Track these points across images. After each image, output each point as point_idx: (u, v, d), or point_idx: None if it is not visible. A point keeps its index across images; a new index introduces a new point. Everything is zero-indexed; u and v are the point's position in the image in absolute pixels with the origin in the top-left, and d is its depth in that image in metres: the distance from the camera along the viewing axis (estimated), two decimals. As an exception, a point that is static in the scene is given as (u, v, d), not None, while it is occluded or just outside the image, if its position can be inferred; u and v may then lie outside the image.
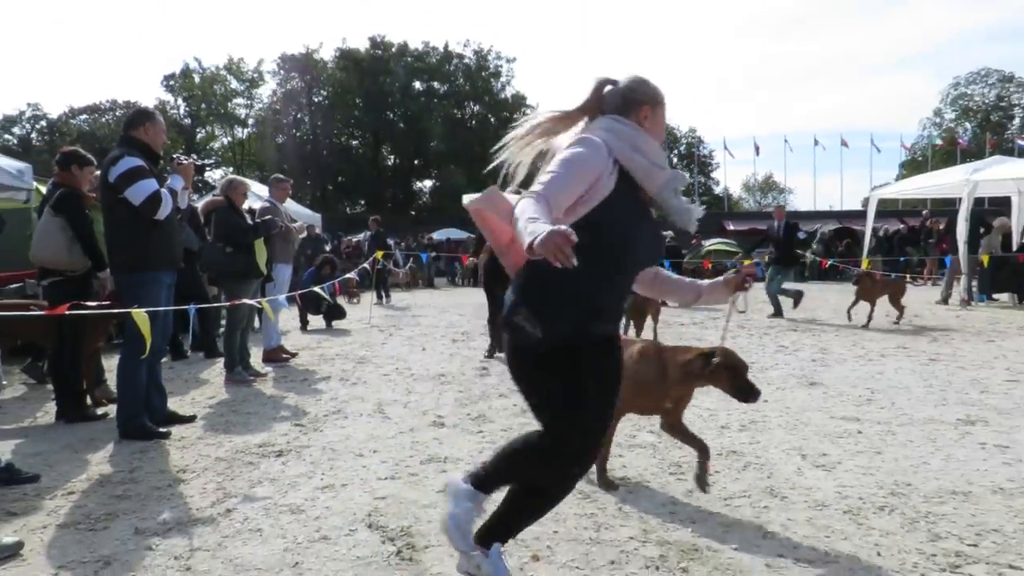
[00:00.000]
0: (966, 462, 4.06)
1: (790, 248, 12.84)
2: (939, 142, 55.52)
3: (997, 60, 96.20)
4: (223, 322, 7.80)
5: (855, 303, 11.06)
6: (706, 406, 5.49)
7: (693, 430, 3.84)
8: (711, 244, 26.79)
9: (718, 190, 60.62)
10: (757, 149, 51.54)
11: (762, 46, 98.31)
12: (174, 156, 5.20)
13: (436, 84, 54.66)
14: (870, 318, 10.63)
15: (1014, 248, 14.21)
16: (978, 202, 15.03)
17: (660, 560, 2.87)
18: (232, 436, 4.90)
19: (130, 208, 4.67)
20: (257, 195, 10.24)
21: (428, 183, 59.95)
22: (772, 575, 2.74)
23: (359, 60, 51.98)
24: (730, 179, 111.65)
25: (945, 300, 13.92)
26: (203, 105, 52.91)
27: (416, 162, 56.47)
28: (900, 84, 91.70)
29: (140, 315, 4.35)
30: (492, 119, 55.11)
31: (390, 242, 22.46)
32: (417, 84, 54.26)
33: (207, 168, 50.82)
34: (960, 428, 4.78)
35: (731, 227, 38.01)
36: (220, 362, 7.67)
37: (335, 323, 11.39)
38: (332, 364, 7.80)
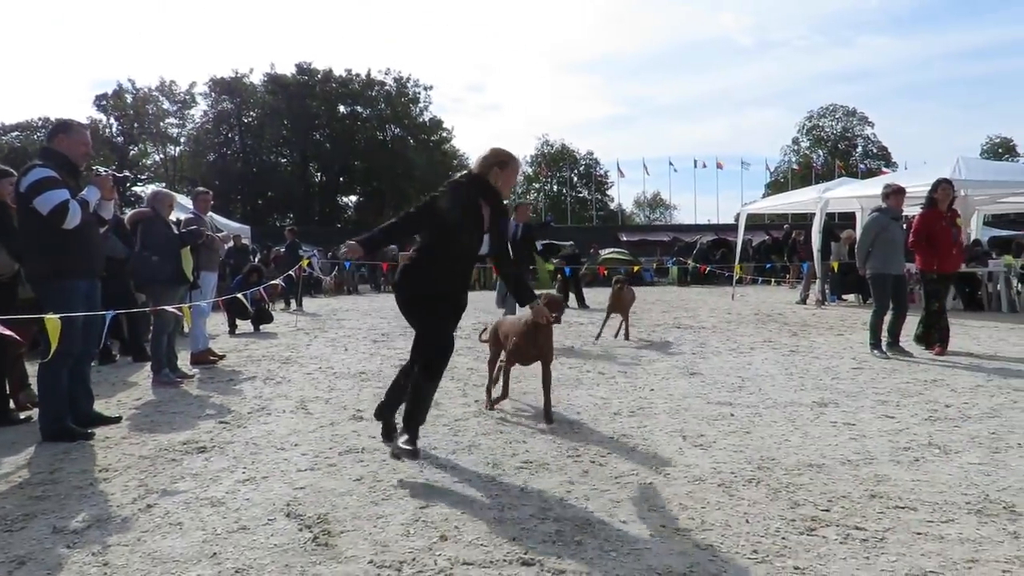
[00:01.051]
0: (820, 439, 4.22)
1: (528, 251, 11.62)
2: (796, 166, 58.52)
3: (843, 97, 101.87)
4: (152, 327, 7.38)
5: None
6: (601, 395, 5.54)
7: (595, 413, 3.86)
8: (607, 253, 27.27)
9: (613, 206, 61.98)
10: (646, 169, 52.71)
11: (654, 81, 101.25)
12: (93, 168, 4.86)
13: (359, 108, 53.77)
14: (619, 330, 9.25)
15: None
16: (829, 216, 15.84)
17: (557, 535, 2.84)
18: (156, 435, 4.61)
19: (42, 217, 4.34)
20: (184, 207, 9.76)
21: (353, 198, 58.89)
22: (655, 543, 2.75)
23: (286, 85, 50.62)
24: (623, 196, 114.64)
25: (803, 301, 14.59)
26: (135, 125, 50.33)
27: (341, 179, 55.41)
28: (765, 116, 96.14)
29: (52, 322, 4.04)
30: (411, 141, 54.64)
31: (305, 252, 21.83)
32: (342, 108, 53.24)
33: (139, 183, 48.25)
34: (815, 409, 4.97)
35: (624, 238, 38.92)
36: (148, 366, 7.25)
37: (263, 327, 10.98)
38: (258, 365, 7.49)
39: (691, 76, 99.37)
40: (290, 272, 12.97)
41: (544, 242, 26.69)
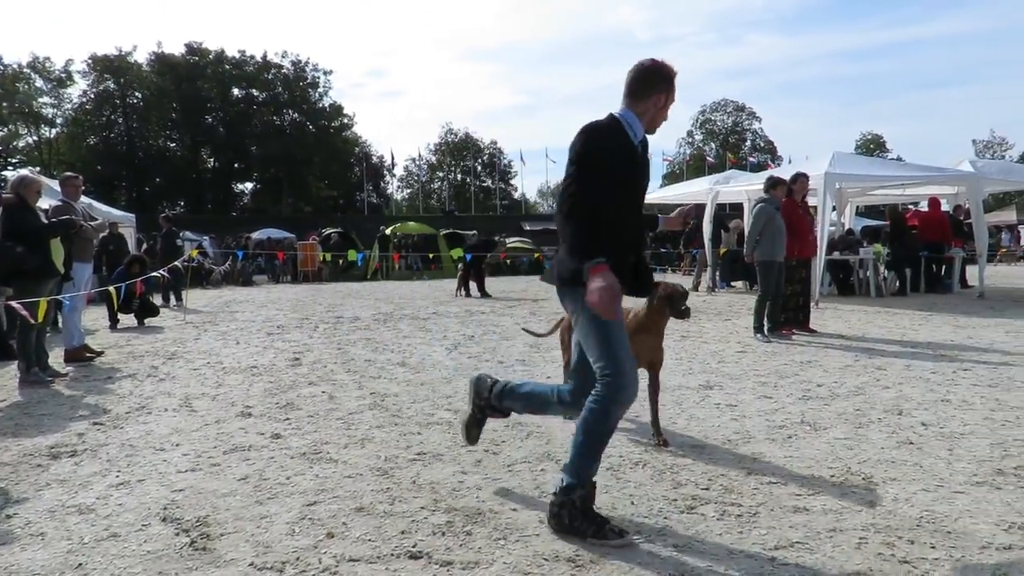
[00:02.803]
0: (704, 420, 4.40)
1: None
2: (690, 158, 60.80)
3: (734, 93, 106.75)
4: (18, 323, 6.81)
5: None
6: (498, 384, 5.56)
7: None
8: (511, 241, 27.46)
9: (516, 195, 62.52)
10: (550, 159, 53.53)
11: (556, 71, 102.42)
12: None
13: (255, 91, 51.63)
14: None
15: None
16: (720, 207, 16.51)
17: (447, 526, 2.83)
18: (21, 439, 4.27)
19: None
20: (55, 192, 9.06)
21: (249, 185, 56.65)
22: (543, 529, 2.78)
23: (175, 65, 47.95)
24: (527, 186, 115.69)
25: (696, 287, 15.17)
26: (3, 104, 46.34)
27: (236, 165, 53.13)
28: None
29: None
30: (310, 126, 53.05)
31: (192, 241, 20.80)
32: (236, 91, 50.96)
33: (9, 166, 44.52)
34: (701, 392, 5.18)
35: (527, 227, 39.14)
36: (15, 365, 6.71)
37: (148, 321, 10.39)
38: (141, 361, 7.08)
39: (592, 68, 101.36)
40: (176, 263, 12.27)
41: (447, 231, 26.69)
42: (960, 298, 12.27)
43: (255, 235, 27.85)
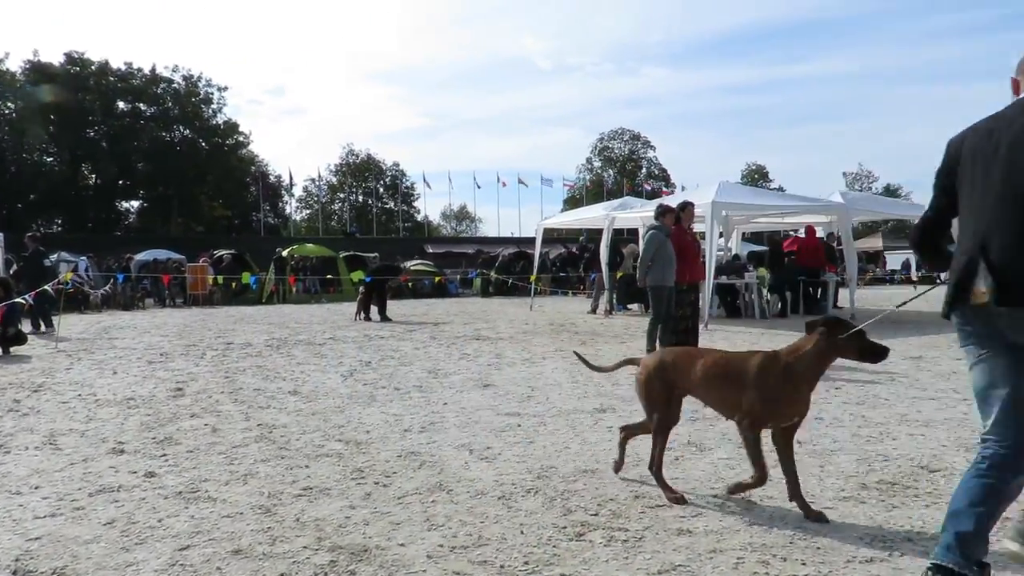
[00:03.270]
0: (596, 444, 4.46)
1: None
2: (590, 184, 62.51)
3: (630, 122, 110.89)
4: None
5: None
6: (394, 412, 5.45)
7: (385, 431, 3.76)
8: (412, 264, 27.24)
9: (419, 217, 62.16)
10: (451, 183, 53.67)
11: (459, 95, 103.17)
12: None
13: (142, 105, 49.13)
14: None
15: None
16: (617, 232, 17.04)
17: (330, 566, 2.72)
18: None
19: None
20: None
21: (135, 203, 53.68)
22: (431, 565, 2.72)
23: (53, 75, 44.97)
24: (430, 208, 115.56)
25: (594, 311, 15.53)
26: None
27: (121, 182, 50.21)
28: (563, 135, 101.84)
29: None
30: (203, 143, 50.99)
31: (68, 263, 19.46)
32: (121, 104, 48.34)
33: None
34: (595, 416, 5.26)
35: (430, 250, 39.10)
36: None
37: (14, 349, 9.57)
38: (2, 394, 6.49)
39: (495, 93, 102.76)
40: (46, 287, 11.39)
41: (348, 254, 26.17)
42: (834, 319, 13.12)
43: (140, 256, 26.34)
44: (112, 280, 19.71)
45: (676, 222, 8.34)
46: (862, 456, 4.08)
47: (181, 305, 21.11)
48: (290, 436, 4.75)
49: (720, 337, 10.24)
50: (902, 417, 5.01)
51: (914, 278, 29.24)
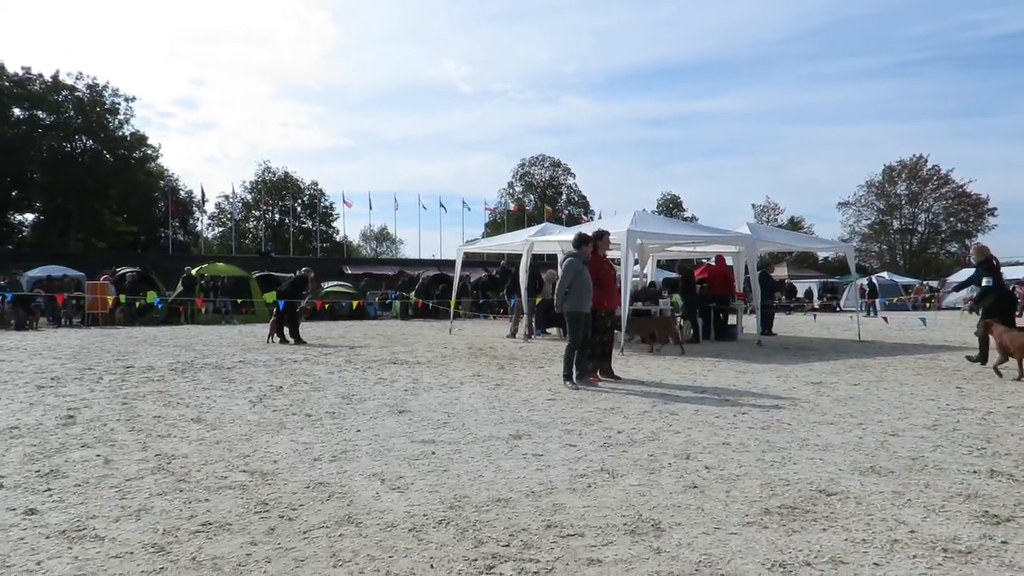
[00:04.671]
0: (511, 471, 4.44)
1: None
2: (513, 206, 63.07)
3: (551, 148, 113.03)
4: None
5: None
6: (304, 440, 5.28)
7: (294, 460, 3.60)
8: (329, 286, 26.68)
9: (339, 237, 61.02)
10: (371, 204, 52.88)
11: (380, 116, 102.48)
12: None
13: (40, 113, 46.47)
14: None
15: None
16: (536, 257, 17.21)
17: (227, 608, 2.57)
18: None
19: None
20: None
21: (30, 216, 50.55)
22: (336, 603, 2.62)
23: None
24: (349, 228, 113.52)
25: (513, 334, 15.60)
26: None
27: (14, 193, 47.22)
28: (485, 159, 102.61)
29: None
30: (107, 155, 48.64)
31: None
32: (16, 111, 45.58)
33: None
34: (510, 442, 5.24)
35: (349, 271, 38.42)
36: None
37: None
38: None
39: (417, 115, 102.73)
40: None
41: (261, 274, 25.36)
42: (743, 345, 13.64)
43: (33, 273, 24.74)
44: (0, 298, 18.41)
45: (593, 250, 8.50)
46: (765, 481, 4.22)
47: (79, 325, 19.92)
48: (190, 467, 4.51)
49: (635, 363, 10.45)
50: (803, 442, 5.23)
51: (816, 305, 30.81)
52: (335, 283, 28.32)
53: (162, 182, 53.35)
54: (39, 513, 3.61)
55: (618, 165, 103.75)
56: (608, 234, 8.92)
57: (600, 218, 43.40)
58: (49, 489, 4.03)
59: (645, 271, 17.59)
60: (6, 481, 4.17)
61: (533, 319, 15.68)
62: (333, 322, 22.57)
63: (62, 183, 44.78)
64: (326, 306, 22.42)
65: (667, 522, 3.49)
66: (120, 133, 49.50)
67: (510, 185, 71.80)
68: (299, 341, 14.04)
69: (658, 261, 20.67)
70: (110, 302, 20.21)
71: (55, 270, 25.58)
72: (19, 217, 50.06)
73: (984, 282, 10.09)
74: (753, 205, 72.48)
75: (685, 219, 57.01)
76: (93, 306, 20.25)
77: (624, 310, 11.68)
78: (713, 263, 15.88)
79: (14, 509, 3.67)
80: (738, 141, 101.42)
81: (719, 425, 5.83)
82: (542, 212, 53.36)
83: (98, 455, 4.81)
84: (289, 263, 36.69)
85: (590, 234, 8.64)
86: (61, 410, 6.51)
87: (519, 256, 16.19)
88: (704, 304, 14.78)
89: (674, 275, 24.52)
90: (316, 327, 19.17)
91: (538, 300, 15.31)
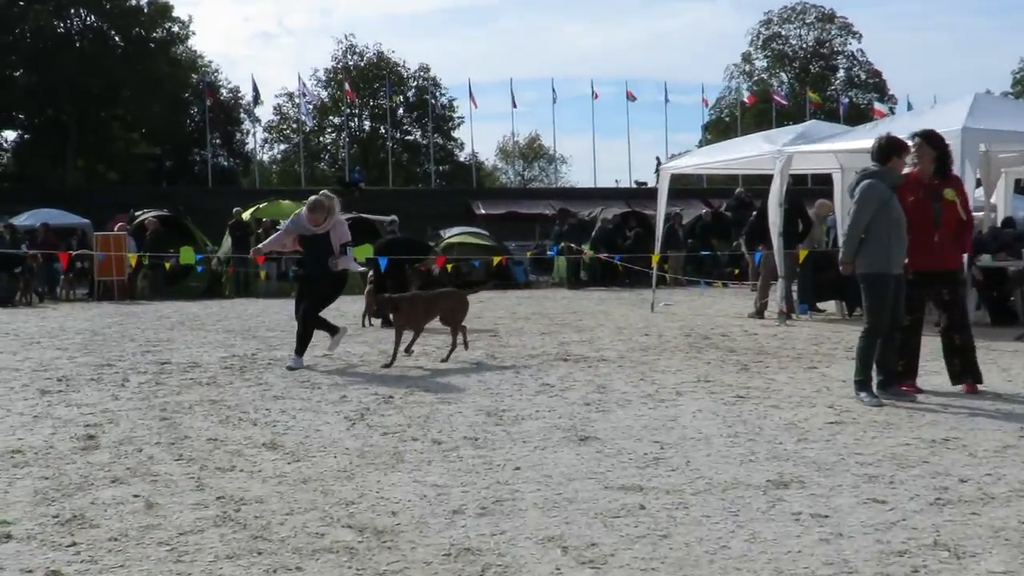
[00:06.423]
0: (775, 541, 4.40)
1: None
2: (747, 98, 61.48)
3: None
4: None
5: None
6: (434, 480, 5.52)
7: (422, 512, 3.79)
8: (452, 235, 27.34)
9: (463, 156, 62.42)
10: (515, 99, 53.43)
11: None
12: None
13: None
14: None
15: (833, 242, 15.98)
16: (796, 180, 16.76)
17: None
18: None
19: None
20: None
21: (10, 134, 55.69)
22: None
23: None
24: (479, 140, 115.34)
25: (759, 313, 15.33)
26: None
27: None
28: (699, 17, 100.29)
29: None
30: (116, 37, 52.92)
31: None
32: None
33: None
34: (770, 493, 5.20)
35: (481, 210, 39.14)
36: None
37: None
38: None
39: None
40: None
41: (348, 217, 26.53)
42: None
43: (19, 220, 27.30)
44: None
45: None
46: None
47: (85, 298, 21.80)
48: (269, 518, 4.85)
49: (982, 358, 9.95)
50: None
51: None
52: (461, 230, 28.96)
53: (195, 76, 56.89)
54: (67, 579, 4.04)
55: (939, 19, 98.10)
56: (929, 139, 8.33)
57: (909, 109, 41.48)
58: (74, 544, 4.48)
59: (994, 200, 16.63)
60: (16, 530, 4.69)
61: (794, 286, 15.34)
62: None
63: (53, 82, 48.70)
64: (448, 267, 23.12)
65: None
66: (131, 2, 53.14)
67: (745, 57, 70.03)
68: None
69: (1017, 182, 19.48)
70: (132, 263, 21.61)
71: (52, 215, 28.01)
72: (-4, 137, 55.38)
73: None
74: None
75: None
76: (105, 270, 21.88)
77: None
78: None
79: (30, 571, 4.13)
80: None
81: None
82: (802, 101, 51.81)
83: (136, 495, 5.29)
84: (387, 200, 38.18)
85: (906, 138, 8.25)
86: (77, 426, 7.21)
87: (765, 179, 15.84)
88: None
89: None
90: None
91: (802, 254, 14.94)
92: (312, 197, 11.05)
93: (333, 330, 11.00)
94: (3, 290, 20.53)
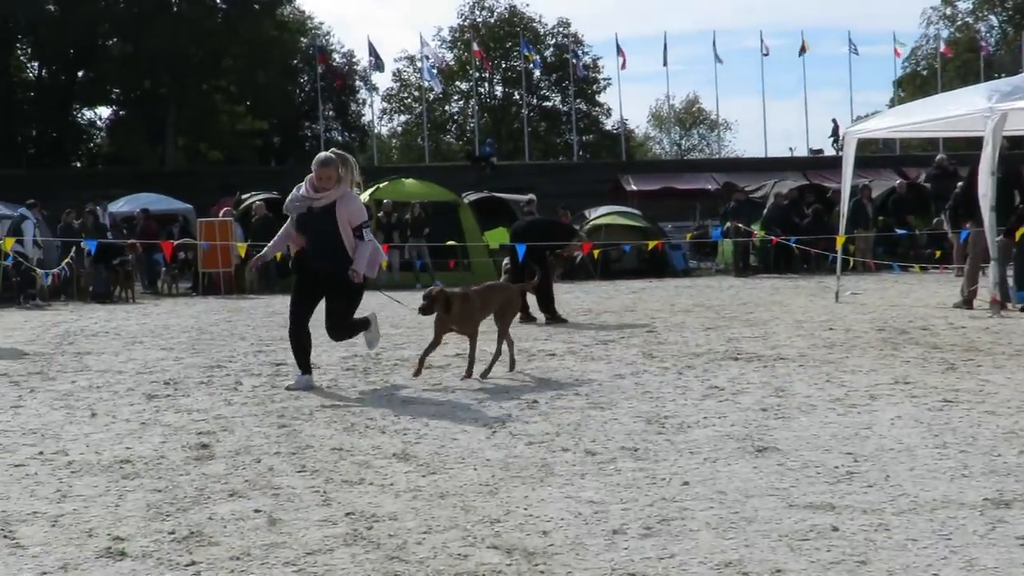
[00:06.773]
0: (996, 570, 4.31)
1: None
2: (943, 49, 59.60)
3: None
4: None
5: None
6: (590, 496, 5.56)
7: (577, 531, 3.84)
8: (599, 216, 27.28)
9: (610, 124, 62.25)
10: (667, 57, 53.06)
11: None
12: None
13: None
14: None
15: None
16: (1014, 143, 16.23)
17: None
18: None
19: None
20: None
21: (104, 111, 57.45)
22: None
23: None
24: (629, 104, 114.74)
25: (968, 302, 14.93)
26: None
27: (81, 75, 54.15)
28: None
29: None
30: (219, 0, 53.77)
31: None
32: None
33: None
34: (988, 514, 5.08)
35: (632, 186, 39.00)
36: None
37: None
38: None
39: None
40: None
41: (479, 196, 26.70)
42: None
43: (116, 207, 28.13)
44: (73, 251, 21.16)
45: None
46: None
47: (189, 293, 22.48)
48: (405, 537, 4.96)
49: None
50: None
51: None
52: (609, 210, 28.86)
53: (304, 40, 57.96)
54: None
55: None
56: None
57: None
58: (193, 563, 4.67)
59: None
60: (130, 547, 4.91)
61: (1010, 270, 14.90)
62: (609, 282, 23.17)
63: (149, 52, 50.12)
64: (595, 253, 23.08)
65: None
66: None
67: (946, 1, 67.96)
68: (554, 318, 14.68)
69: None
70: (242, 252, 21.88)
71: (151, 200, 28.81)
72: (88, 114, 57.36)
73: None
74: None
75: None
76: (210, 261, 22.45)
77: None
78: None
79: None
80: None
81: None
82: (1018, 50, 50.08)
83: (257, 510, 5.48)
84: (523, 176, 38.34)
85: None
86: (188, 434, 7.49)
87: (973, 143, 15.41)
88: None
89: None
90: (581, 292, 19.87)
91: (1020, 232, 14.49)
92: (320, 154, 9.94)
93: (364, 325, 10.34)
94: (101, 285, 21.22)
